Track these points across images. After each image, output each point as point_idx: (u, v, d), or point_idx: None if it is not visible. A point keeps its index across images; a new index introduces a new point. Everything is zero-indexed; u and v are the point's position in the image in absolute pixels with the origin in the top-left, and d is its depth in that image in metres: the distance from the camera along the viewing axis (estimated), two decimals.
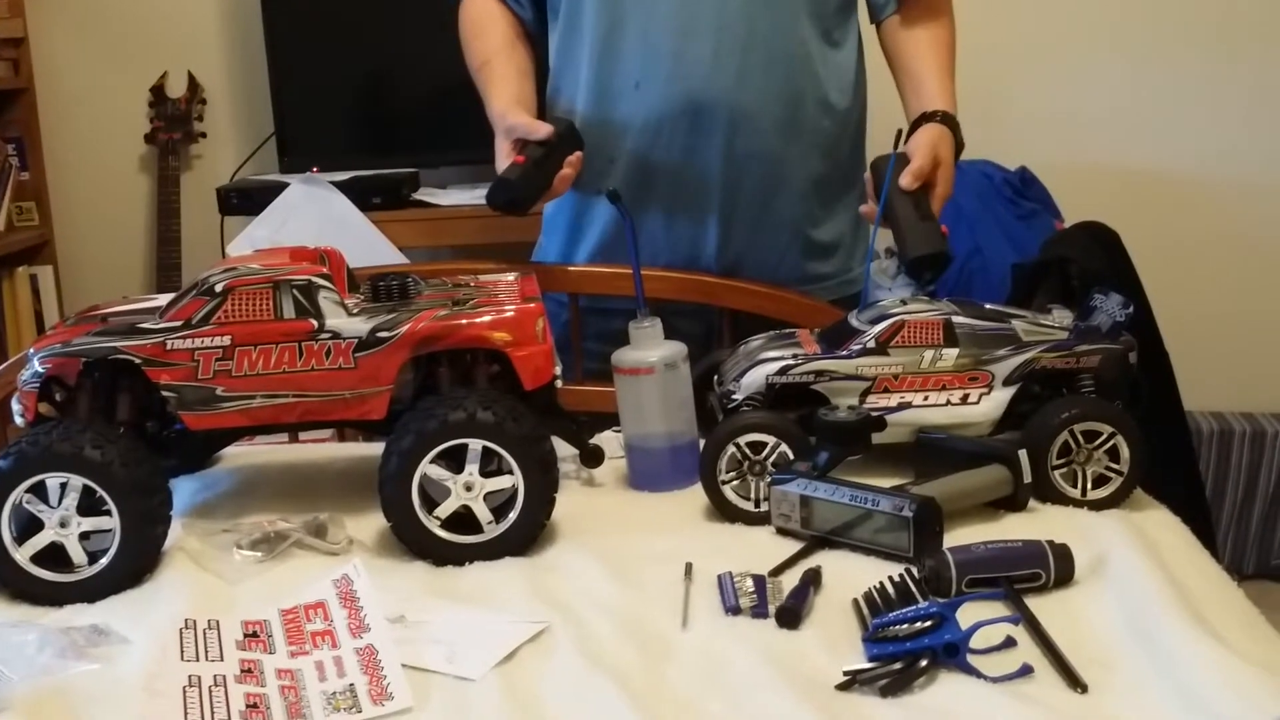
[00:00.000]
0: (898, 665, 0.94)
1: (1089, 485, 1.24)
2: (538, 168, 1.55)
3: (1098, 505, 1.24)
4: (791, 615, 1.03)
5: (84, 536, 1.15)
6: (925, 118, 1.55)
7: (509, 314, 1.24)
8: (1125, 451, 1.23)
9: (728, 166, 1.64)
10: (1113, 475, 1.24)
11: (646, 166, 1.65)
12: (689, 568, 1.13)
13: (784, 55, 1.62)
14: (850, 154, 1.73)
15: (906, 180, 1.45)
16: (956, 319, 1.31)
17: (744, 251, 1.69)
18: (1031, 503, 1.23)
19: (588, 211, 1.72)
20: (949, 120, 1.55)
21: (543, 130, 1.56)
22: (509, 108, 1.61)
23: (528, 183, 1.54)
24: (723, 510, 1.26)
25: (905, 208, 1.44)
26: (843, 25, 1.68)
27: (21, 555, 1.14)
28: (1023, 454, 1.22)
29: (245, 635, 1.05)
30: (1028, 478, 1.22)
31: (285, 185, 2.75)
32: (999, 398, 1.29)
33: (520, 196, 1.54)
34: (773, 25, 1.61)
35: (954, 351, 1.29)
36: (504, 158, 1.58)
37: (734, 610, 1.06)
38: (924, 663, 0.94)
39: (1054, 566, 1.07)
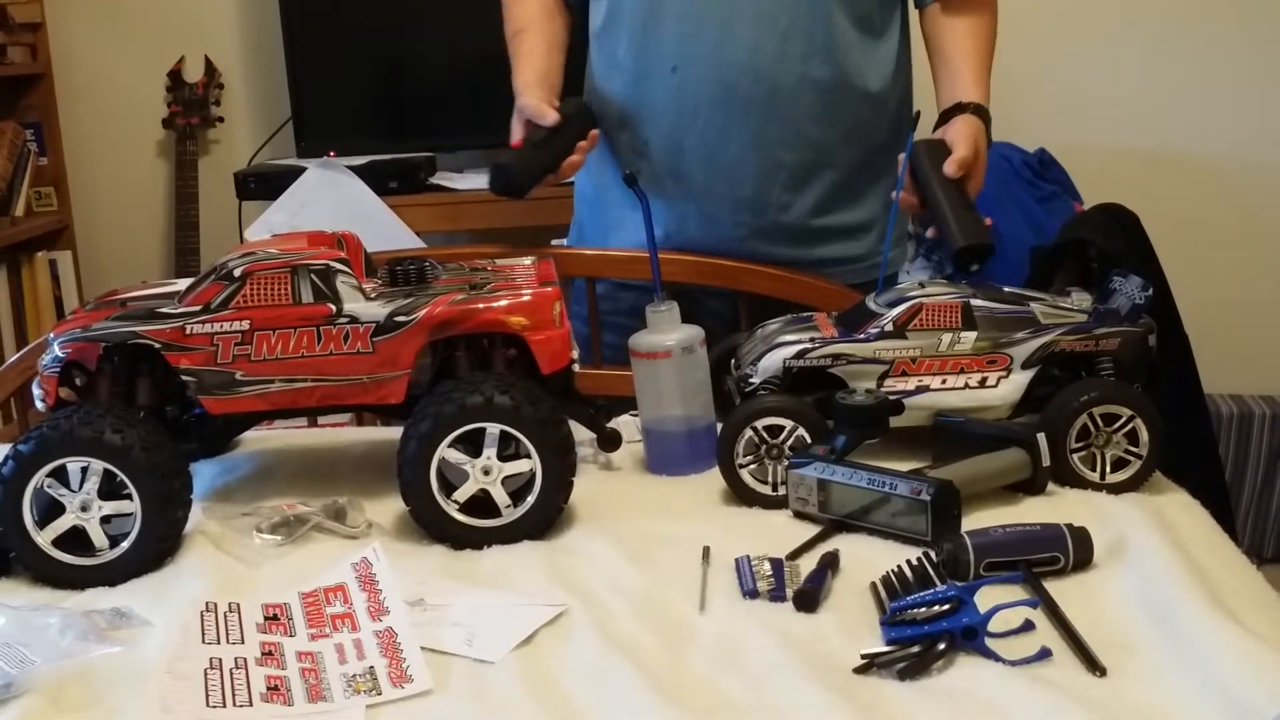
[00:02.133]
0: (916, 648, 0.94)
1: (1108, 468, 1.24)
2: (536, 150, 1.55)
3: (1117, 489, 1.23)
4: (809, 599, 1.03)
5: (105, 520, 1.16)
6: (959, 108, 1.54)
7: (526, 298, 1.24)
8: (1144, 435, 1.23)
9: (762, 153, 1.64)
10: (1132, 458, 1.24)
11: (680, 150, 1.65)
12: (706, 551, 1.13)
13: (822, 45, 1.62)
14: (888, 140, 1.72)
15: (951, 169, 1.45)
16: (975, 302, 1.30)
17: (776, 234, 1.69)
18: (1050, 486, 1.23)
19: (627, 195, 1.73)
20: (982, 113, 1.54)
21: (550, 117, 1.56)
22: (527, 87, 1.62)
23: (523, 168, 1.55)
24: (740, 494, 1.26)
25: (951, 197, 1.44)
26: (885, 14, 1.68)
27: (43, 539, 1.15)
28: (1041, 437, 1.21)
29: (266, 618, 1.06)
30: (1046, 461, 1.21)
31: (302, 170, 2.75)
32: (1017, 381, 1.29)
33: (515, 181, 1.54)
34: (811, 15, 1.61)
35: (972, 334, 1.29)
36: (515, 137, 1.59)
37: (752, 594, 1.06)
38: (942, 646, 0.94)
39: (1073, 550, 1.06)
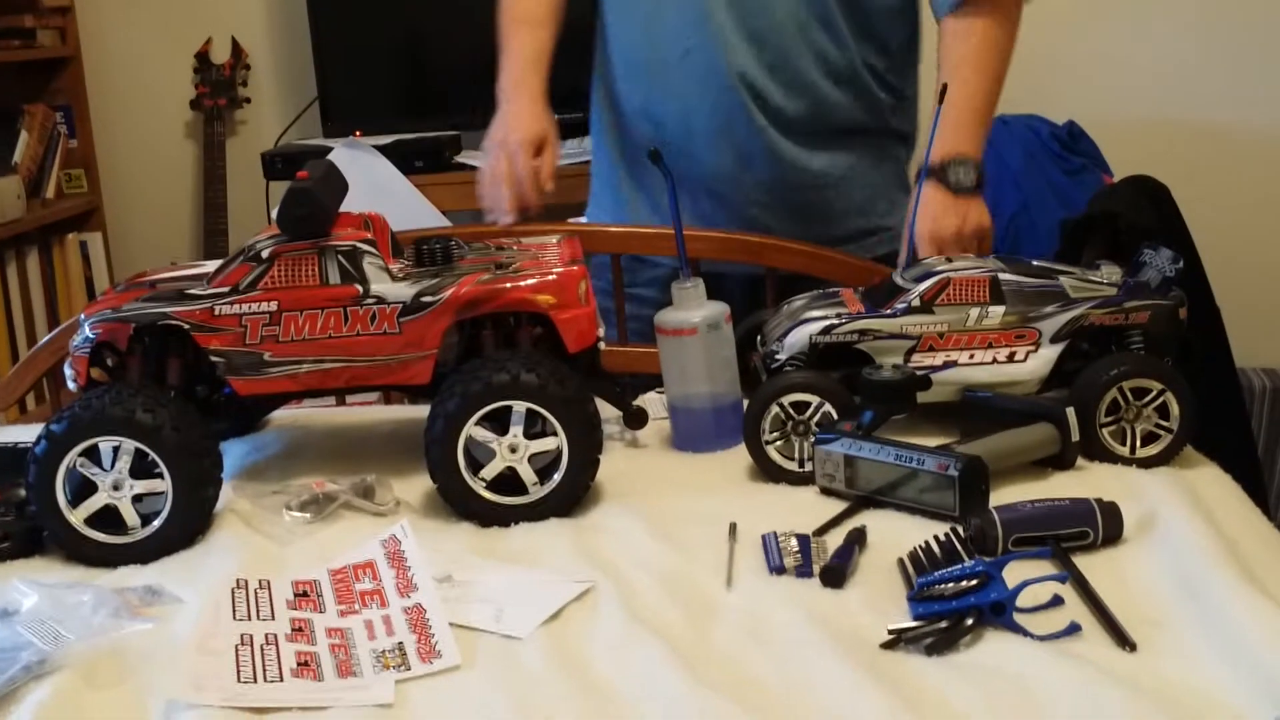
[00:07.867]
0: (943, 624, 0.93)
1: (1138, 443, 1.23)
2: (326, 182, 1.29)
3: (1147, 463, 1.22)
4: (836, 574, 1.03)
5: (137, 499, 1.17)
6: (926, 170, 1.47)
7: (552, 277, 1.24)
8: (1175, 409, 1.22)
9: (775, 135, 1.65)
10: (1162, 432, 1.23)
11: (690, 131, 1.66)
12: (733, 528, 1.13)
13: (821, 14, 1.62)
14: (893, 121, 1.73)
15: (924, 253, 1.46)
16: (1003, 276, 1.29)
17: (789, 212, 1.69)
18: (1080, 461, 1.22)
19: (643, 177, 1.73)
20: (944, 173, 1.49)
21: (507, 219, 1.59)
22: (521, 103, 1.62)
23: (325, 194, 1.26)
24: (767, 470, 1.26)
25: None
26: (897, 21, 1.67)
27: (76, 518, 1.16)
28: (1070, 412, 1.20)
29: (296, 595, 1.07)
30: (1076, 436, 1.21)
31: (328, 150, 2.75)
32: (1046, 355, 1.28)
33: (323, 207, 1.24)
34: (809, 11, 1.62)
35: (1000, 309, 1.28)
36: (495, 165, 1.60)
37: (778, 570, 1.06)
38: (970, 621, 0.93)
39: (1102, 524, 1.06)
